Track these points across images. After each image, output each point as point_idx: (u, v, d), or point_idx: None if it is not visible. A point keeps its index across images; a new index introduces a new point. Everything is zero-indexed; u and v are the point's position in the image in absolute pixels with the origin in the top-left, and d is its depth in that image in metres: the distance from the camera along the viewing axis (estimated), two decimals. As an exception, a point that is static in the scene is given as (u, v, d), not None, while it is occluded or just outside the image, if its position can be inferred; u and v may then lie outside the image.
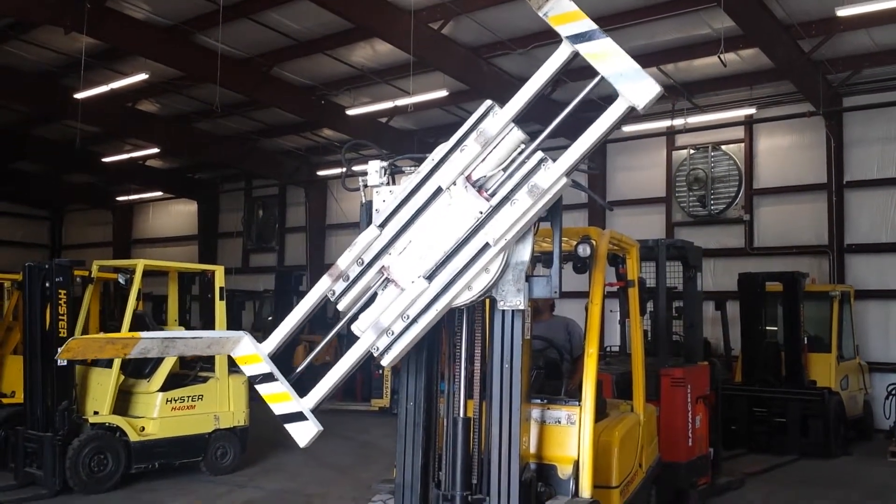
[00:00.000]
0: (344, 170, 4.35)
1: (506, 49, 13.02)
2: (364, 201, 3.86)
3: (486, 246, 3.36)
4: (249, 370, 3.62)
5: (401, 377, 3.98)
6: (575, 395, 4.86)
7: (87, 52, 12.61)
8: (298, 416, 3.51)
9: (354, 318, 3.56)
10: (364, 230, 3.58)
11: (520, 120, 3.40)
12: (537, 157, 3.34)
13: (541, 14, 3.19)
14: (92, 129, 17.52)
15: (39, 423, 8.08)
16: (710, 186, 15.30)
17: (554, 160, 3.32)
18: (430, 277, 3.42)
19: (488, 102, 3.42)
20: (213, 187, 23.80)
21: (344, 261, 3.57)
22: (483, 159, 3.40)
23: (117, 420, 8.32)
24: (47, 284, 8.22)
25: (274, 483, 8.83)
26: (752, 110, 14.38)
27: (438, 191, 3.43)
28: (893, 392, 11.65)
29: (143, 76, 13.40)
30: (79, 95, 13.82)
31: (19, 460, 8.26)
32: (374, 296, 3.54)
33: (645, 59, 12.03)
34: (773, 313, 11.87)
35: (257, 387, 3.61)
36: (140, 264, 8.95)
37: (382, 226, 3.52)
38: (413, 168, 3.71)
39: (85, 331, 9.27)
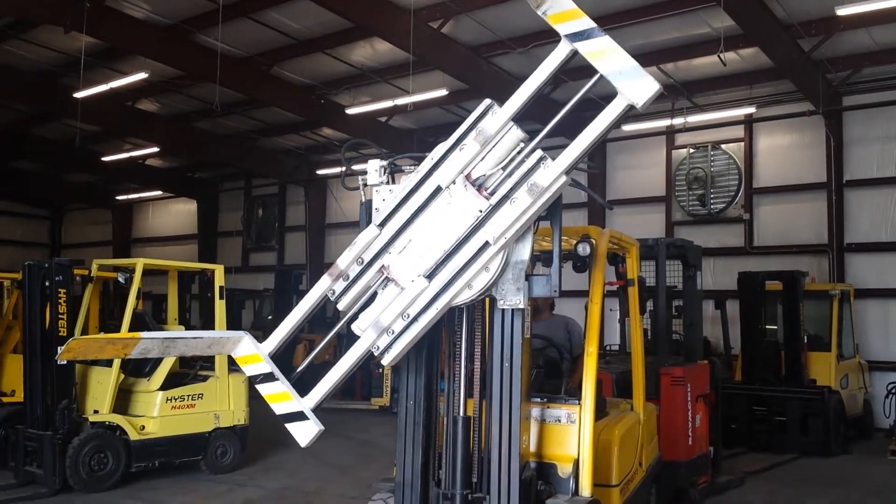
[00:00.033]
0: (344, 169, 4.35)
1: (506, 48, 13.02)
2: (364, 200, 3.86)
3: (486, 244, 3.36)
4: (250, 370, 3.62)
5: (401, 376, 3.98)
6: (575, 393, 4.87)
7: (87, 51, 12.60)
8: (299, 416, 3.52)
9: (354, 317, 3.56)
10: (364, 229, 3.58)
11: (519, 119, 3.40)
12: (537, 156, 3.35)
13: (539, 12, 3.20)
14: (92, 128, 17.52)
15: (39, 421, 8.08)
16: (710, 185, 15.30)
17: (553, 159, 3.33)
18: (430, 276, 3.42)
19: (487, 101, 3.42)
20: (213, 186, 23.79)
21: (344, 260, 3.57)
22: (482, 158, 3.41)
23: (117, 419, 8.32)
24: (47, 283, 8.21)
25: (274, 482, 8.84)
26: (751, 109, 14.37)
27: (438, 190, 3.44)
28: (893, 391, 11.67)
29: (142, 75, 13.39)
30: (78, 94, 13.82)
31: (19, 459, 8.25)
32: (374, 295, 3.55)
33: (645, 58, 12.03)
34: (772, 312, 11.87)
35: (258, 387, 3.61)
36: (140, 263, 8.94)
37: (382, 225, 3.52)
38: (413, 167, 3.71)
39: (85, 330, 9.27)
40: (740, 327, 11.89)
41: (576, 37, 3.16)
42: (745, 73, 13.74)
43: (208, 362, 9.30)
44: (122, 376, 8.58)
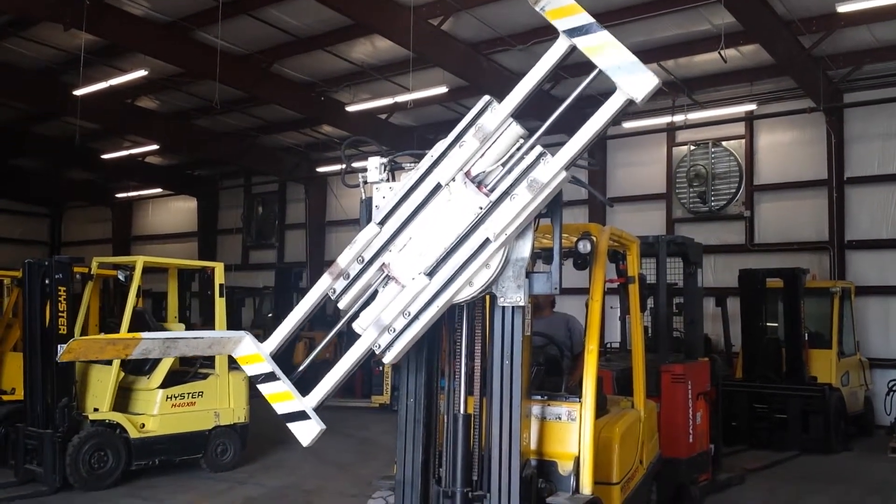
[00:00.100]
0: (344, 166, 4.34)
1: (505, 45, 13.00)
2: (364, 198, 3.85)
3: (487, 241, 3.35)
4: (251, 370, 3.62)
5: (401, 374, 3.97)
6: (575, 391, 4.86)
7: (87, 48, 12.58)
8: (301, 416, 3.51)
9: (355, 316, 3.55)
10: (364, 227, 3.57)
11: (519, 116, 3.39)
12: (536, 152, 3.34)
13: (537, 8, 3.19)
14: (91, 125, 17.49)
15: (39, 419, 8.08)
16: (711, 183, 15.28)
17: (553, 155, 3.32)
18: (430, 274, 3.41)
19: (486, 98, 3.41)
20: (213, 184, 23.78)
21: (344, 259, 3.56)
22: (482, 155, 3.40)
23: (117, 417, 8.31)
24: (47, 281, 8.20)
25: (274, 480, 8.84)
26: (752, 106, 14.35)
27: (438, 187, 3.43)
28: (894, 388, 11.65)
29: (142, 73, 13.39)
30: (78, 92, 13.82)
31: (19, 457, 8.25)
32: (375, 293, 3.54)
33: (645, 55, 12.01)
34: (773, 310, 11.86)
35: (259, 386, 3.61)
36: (140, 261, 8.94)
37: (382, 223, 3.51)
38: (412, 164, 3.70)
39: (84, 327, 9.28)
40: (741, 324, 11.88)
41: (574, 32, 3.15)
42: (746, 70, 13.73)
43: (208, 360, 9.29)
44: (122, 374, 8.58)
